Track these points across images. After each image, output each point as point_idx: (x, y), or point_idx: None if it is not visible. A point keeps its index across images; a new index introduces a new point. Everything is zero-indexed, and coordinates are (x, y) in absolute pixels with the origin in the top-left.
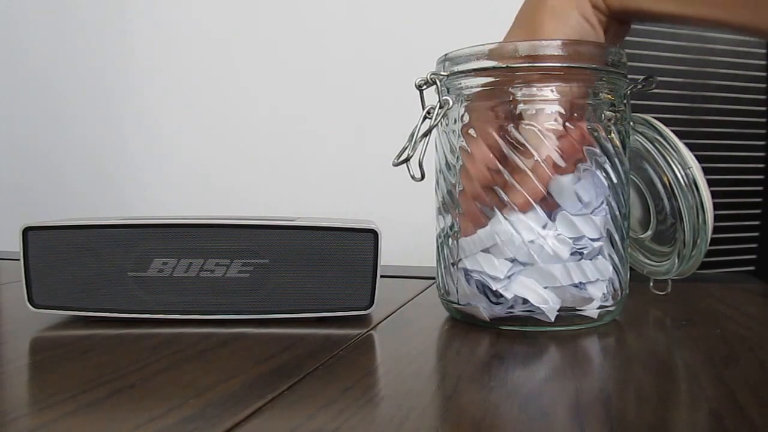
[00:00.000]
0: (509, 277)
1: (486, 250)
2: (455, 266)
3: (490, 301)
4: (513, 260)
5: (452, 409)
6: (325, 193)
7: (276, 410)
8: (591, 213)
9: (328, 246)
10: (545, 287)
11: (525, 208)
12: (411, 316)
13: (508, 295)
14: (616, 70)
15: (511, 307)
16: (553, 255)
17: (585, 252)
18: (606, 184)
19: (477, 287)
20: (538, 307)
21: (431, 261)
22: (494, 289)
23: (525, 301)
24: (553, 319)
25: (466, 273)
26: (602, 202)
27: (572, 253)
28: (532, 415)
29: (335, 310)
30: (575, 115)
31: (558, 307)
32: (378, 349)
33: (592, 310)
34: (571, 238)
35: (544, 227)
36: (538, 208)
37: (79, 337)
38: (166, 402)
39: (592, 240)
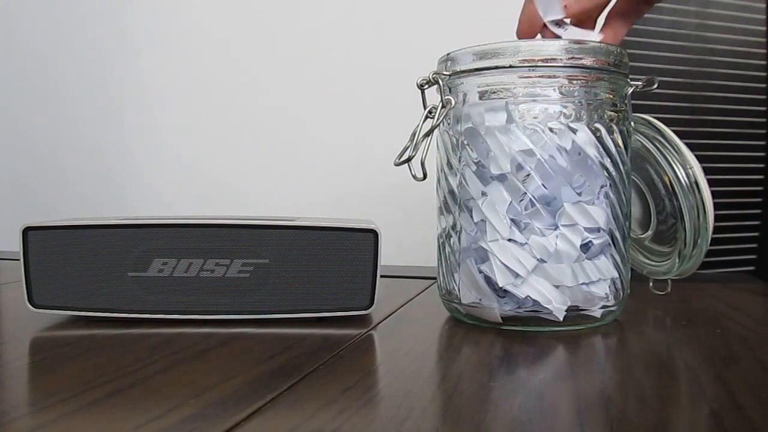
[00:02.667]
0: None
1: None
2: (461, 265)
3: (502, 300)
4: (538, 258)
5: (452, 409)
6: (325, 193)
7: (276, 410)
8: (586, 201)
9: (328, 246)
10: (556, 287)
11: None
12: (411, 316)
13: (520, 294)
14: (618, 70)
15: (519, 306)
16: (561, 253)
17: (595, 243)
18: (605, 177)
19: (488, 285)
20: (546, 307)
21: (431, 261)
22: (514, 284)
23: (534, 300)
24: (562, 320)
25: (479, 269)
26: (599, 193)
27: (579, 248)
28: (532, 415)
29: (335, 310)
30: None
31: (566, 308)
32: (378, 349)
33: (596, 310)
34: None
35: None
36: (542, 210)
37: (79, 337)
38: (166, 402)
39: (591, 231)
